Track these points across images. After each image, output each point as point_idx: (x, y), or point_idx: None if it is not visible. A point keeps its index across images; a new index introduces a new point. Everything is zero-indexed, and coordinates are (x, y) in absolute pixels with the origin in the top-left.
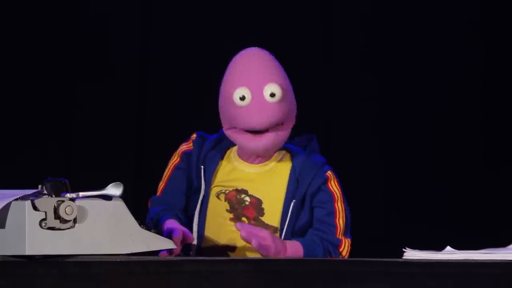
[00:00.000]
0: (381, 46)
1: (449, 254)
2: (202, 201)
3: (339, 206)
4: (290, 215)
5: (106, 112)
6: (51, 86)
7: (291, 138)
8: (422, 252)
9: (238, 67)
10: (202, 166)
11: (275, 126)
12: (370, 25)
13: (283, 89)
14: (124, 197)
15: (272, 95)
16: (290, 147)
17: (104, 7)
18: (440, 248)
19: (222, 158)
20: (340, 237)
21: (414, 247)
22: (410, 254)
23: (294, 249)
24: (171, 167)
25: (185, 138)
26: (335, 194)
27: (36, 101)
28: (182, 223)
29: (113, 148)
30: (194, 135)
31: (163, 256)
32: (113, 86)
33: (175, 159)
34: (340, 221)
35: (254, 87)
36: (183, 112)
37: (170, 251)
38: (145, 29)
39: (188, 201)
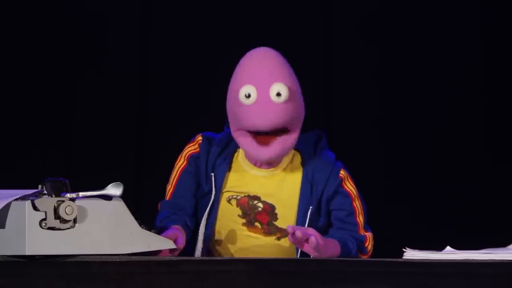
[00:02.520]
0: (381, 45)
1: (449, 254)
2: (211, 205)
3: (357, 204)
4: (309, 222)
5: (106, 112)
6: (51, 86)
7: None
8: (422, 252)
9: (246, 65)
10: (213, 174)
11: (281, 132)
12: (370, 24)
13: (290, 90)
14: (124, 196)
15: (278, 94)
16: (299, 146)
17: (104, 7)
18: (440, 248)
19: (231, 162)
20: (363, 233)
21: (414, 247)
22: (410, 254)
23: (334, 245)
24: (179, 171)
25: (185, 138)
26: (352, 194)
27: (36, 101)
28: (189, 230)
29: (113, 148)
30: (200, 138)
31: (163, 256)
32: (113, 86)
33: (182, 162)
34: (360, 218)
35: (260, 86)
36: (184, 112)
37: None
38: (145, 29)
39: (197, 205)
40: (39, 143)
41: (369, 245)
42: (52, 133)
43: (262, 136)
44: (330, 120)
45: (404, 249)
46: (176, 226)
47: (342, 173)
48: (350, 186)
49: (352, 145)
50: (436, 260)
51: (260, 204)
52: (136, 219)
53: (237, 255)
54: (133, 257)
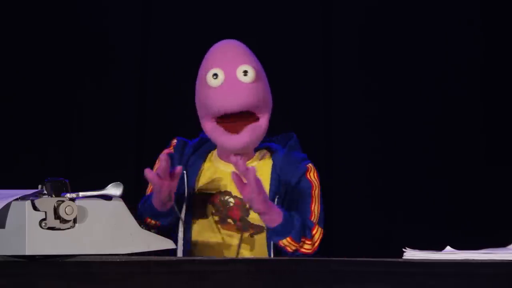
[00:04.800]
0: (380, 44)
1: (449, 254)
2: (187, 206)
3: (316, 194)
4: None
5: (106, 112)
6: (51, 87)
7: (270, 137)
8: (422, 252)
9: (211, 54)
10: (185, 172)
11: (250, 118)
12: (369, 24)
13: (256, 70)
14: (124, 196)
15: (245, 73)
16: (270, 145)
17: (104, 8)
18: (440, 248)
19: (204, 161)
20: (314, 221)
21: (414, 247)
22: (410, 254)
23: (275, 213)
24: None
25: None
26: (313, 183)
27: (37, 102)
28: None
29: (113, 148)
30: (175, 141)
31: (164, 256)
32: (113, 86)
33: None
34: (315, 208)
35: (227, 68)
36: (183, 112)
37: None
38: (145, 29)
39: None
40: (39, 143)
41: (316, 234)
42: (52, 133)
43: (231, 124)
44: (330, 120)
45: (404, 249)
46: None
47: (309, 165)
48: (313, 177)
49: (352, 145)
50: (436, 260)
51: (232, 199)
52: (136, 219)
53: (213, 254)
54: (133, 257)
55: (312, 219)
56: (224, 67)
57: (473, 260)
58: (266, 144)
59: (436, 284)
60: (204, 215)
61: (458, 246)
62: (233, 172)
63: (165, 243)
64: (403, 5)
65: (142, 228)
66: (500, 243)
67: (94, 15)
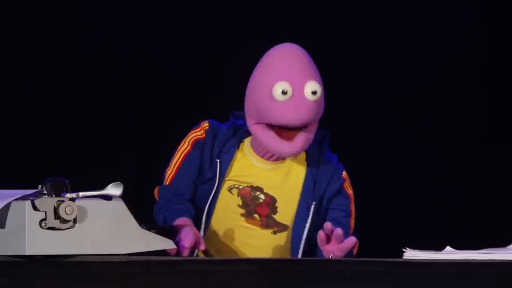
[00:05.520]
0: (380, 44)
1: (449, 254)
2: (215, 192)
3: (353, 208)
4: (312, 216)
5: (106, 112)
6: (51, 86)
7: None
8: (422, 252)
9: (278, 61)
10: (218, 160)
11: (304, 127)
12: (369, 23)
13: (322, 87)
14: (124, 196)
15: (314, 93)
16: None
17: (104, 6)
18: (440, 248)
19: (236, 151)
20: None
21: (414, 247)
22: (410, 254)
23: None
24: (182, 155)
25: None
26: (351, 196)
27: (36, 101)
28: (193, 218)
29: (113, 148)
30: (206, 124)
31: (164, 256)
32: (113, 86)
33: (186, 147)
34: (352, 221)
35: (296, 83)
36: (184, 111)
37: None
38: (145, 28)
39: (196, 190)
40: (39, 143)
41: (355, 250)
42: (52, 133)
43: (285, 130)
44: (330, 119)
45: (404, 249)
46: (189, 223)
47: (345, 174)
48: (349, 189)
49: (352, 145)
50: (436, 260)
51: (262, 196)
52: (136, 219)
53: (231, 246)
54: (133, 257)
55: (350, 234)
56: (292, 81)
57: (473, 260)
58: None
59: (436, 284)
60: (229, 206)
61: (458, 246)
62: (322, 231)
63: (165, 243)
64: (401, 3)
65: (142, 228)
66: (500, 243)
67: (94, 13)
